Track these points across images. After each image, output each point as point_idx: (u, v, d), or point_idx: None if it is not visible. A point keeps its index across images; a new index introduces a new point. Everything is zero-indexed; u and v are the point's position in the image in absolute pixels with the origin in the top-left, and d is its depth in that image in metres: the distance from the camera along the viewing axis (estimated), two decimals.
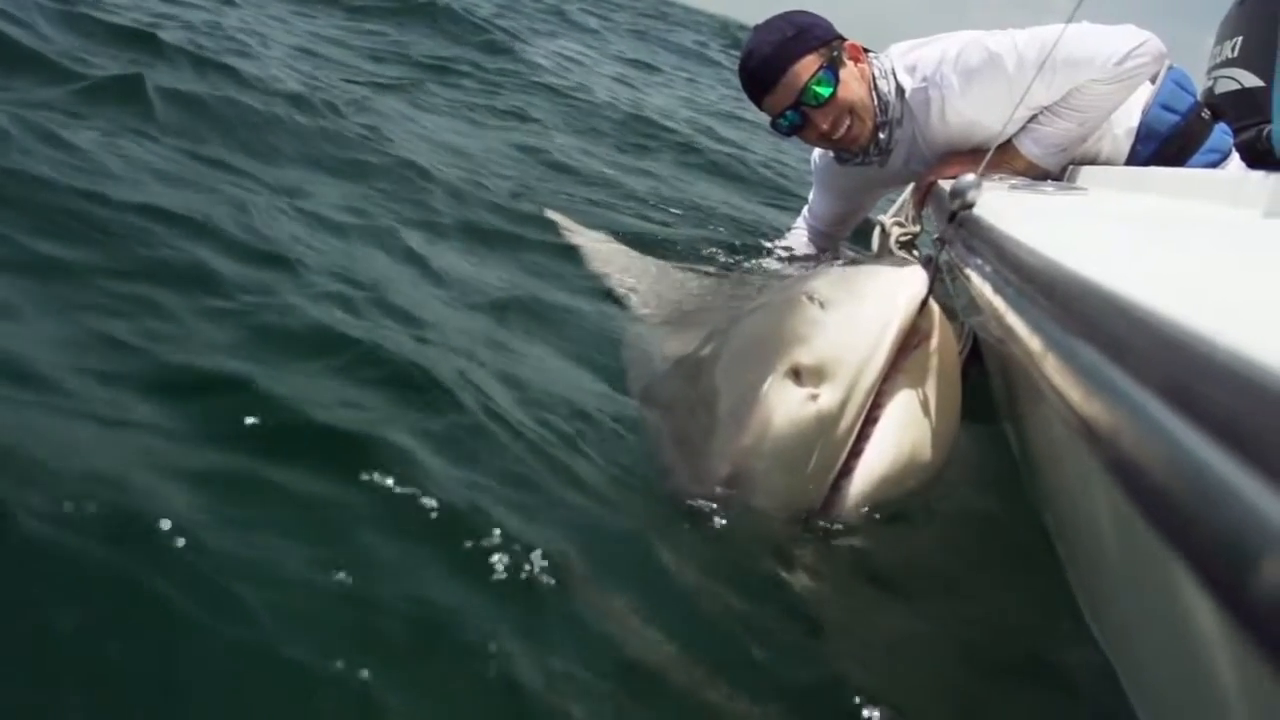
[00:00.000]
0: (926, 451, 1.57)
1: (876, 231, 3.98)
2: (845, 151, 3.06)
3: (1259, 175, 1.62)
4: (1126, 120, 2.90)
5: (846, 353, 1.52)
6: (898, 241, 3.87)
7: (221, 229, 2.25)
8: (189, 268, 1.99)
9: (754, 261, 3.31)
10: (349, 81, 4.80)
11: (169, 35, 4.24)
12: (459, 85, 5.85)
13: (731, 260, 3.27)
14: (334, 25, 6.65)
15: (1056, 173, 2.88)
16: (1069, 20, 2.25)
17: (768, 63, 2.84)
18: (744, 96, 3.02)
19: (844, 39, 2.91)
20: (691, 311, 2.40)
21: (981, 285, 1.26)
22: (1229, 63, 3.05)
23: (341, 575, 1.14)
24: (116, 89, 3.26)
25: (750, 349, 1.65)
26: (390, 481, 1.33)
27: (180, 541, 1.11)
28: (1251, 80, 2.96)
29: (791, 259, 3.40)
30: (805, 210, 3.61)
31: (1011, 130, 2.78)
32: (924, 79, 2.86)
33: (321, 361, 1.69)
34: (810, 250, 3.49)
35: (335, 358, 1.71)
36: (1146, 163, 2.87)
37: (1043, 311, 0.91)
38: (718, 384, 1.64)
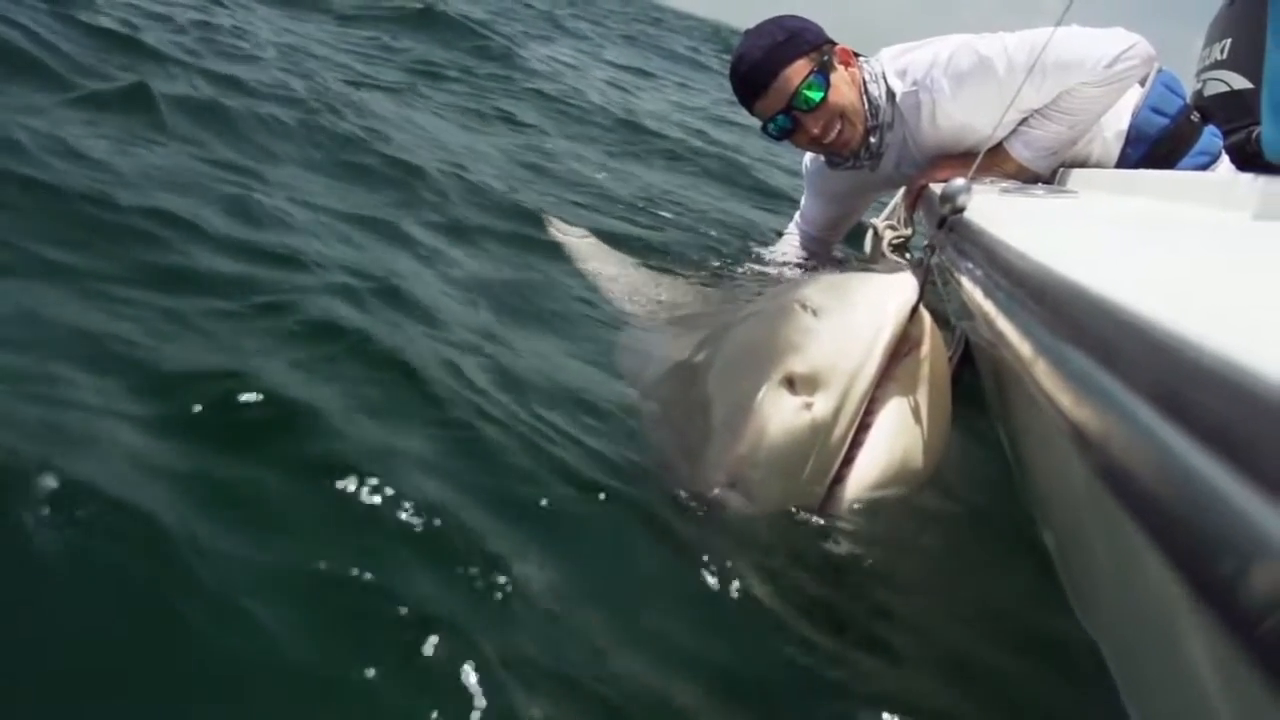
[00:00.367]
0: (918, 457, 1.58)
1: (869, 235, 3.99)
2: (836, 155, 3.07)
3: (1248, 178, 1.63)
4: (1116, 123, 2.91)
5: (840, 361, 1.52)
6: (890, 245, 3.88)
7: (222, 230, 2.27)
8: (191, 269, 2.00)
9: (747, 266, 3.31)
10: (346, 85, 4.81)
11: (164, 41, 4.26)
12: (453, 89, 5.86)
13: (724, 265, 3.27)
14: (328, 32, 6.65)
15: (1047, 175, 2.89)
16: (1058, 23, 2.25)
17: (759, 67, 2.84)
18: (736, 100, 3.03)
19: (834, 43, 2.91)
20: (685, 317, 2.40)
21: (972, 289, 1.26)
22: (1218, 65, 3.06)
23: (337, 577, 1.13)
24: (116, 95, 3.29)
25: (744, 357, 1.65)
26: (385, 482, 1.32)
27: (176, 540, 1.11)
28: (1240, 82, 2.97)
29: (784, 264, 3.40)
30: (797, 215, 3.62)
31: (1002, 133, 2.79)
32: (914, 83, 2.86)
33: (323, 361, 1.69)
34: (803, 255, 3.49)
35: (334, 357, 1.71)
36: (1136, 165, 2.88)
37: (1033, 316, 0.91)
38: (712, 392, 1.64)
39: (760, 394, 1.52)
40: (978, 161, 1.99)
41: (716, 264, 3.26)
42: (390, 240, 2.62)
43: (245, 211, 2.46)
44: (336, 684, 1.01)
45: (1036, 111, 2.76)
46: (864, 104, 2.90)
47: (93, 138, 2.75)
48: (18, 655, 0.98)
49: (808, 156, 3.44)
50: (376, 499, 1.30)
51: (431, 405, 1.62)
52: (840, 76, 2.87)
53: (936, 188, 2.26)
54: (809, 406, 1.51)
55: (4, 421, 1.25)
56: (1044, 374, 0.81)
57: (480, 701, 1.04)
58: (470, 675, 1.06)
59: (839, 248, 3.69)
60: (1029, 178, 2.83)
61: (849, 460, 1.55)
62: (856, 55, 2.96)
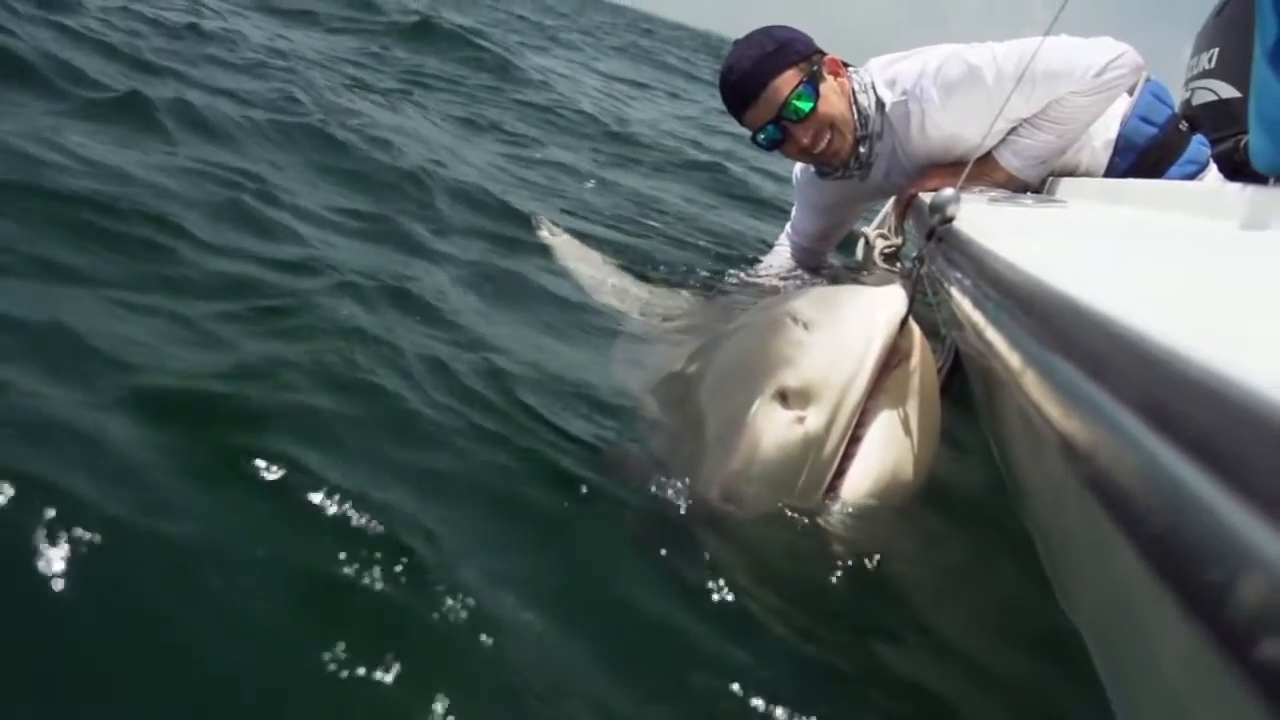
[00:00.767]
0: (909, 468, 1.58)
1: (861, 243, 4.00)
2: (826, 166, 3.07)
3: (1236, 187, 1.63)
4: (1105, 132, 2.92)
5: (832, 375, 1.53)
6: (881, 254, 3.89)
7: (220, 233, 2.31)
8: (191, 272, 2.04)
9: (737, 277, 3.31)
10: (342, 93, 4.85)
11: (156, 48, 4.27)
12: (447, 99, 5.88)
13: (715, 275, 3.27)
14: (325, 41, 6.65)
15: (1036, 184, 2.89)
16: (1047, 33, 2.26)
17: (748, 78, 2.85)
18: (726, 110, 3.03)
19: (824, 53, 2.92)
20: (676, 329, 2.40)
21: (961, 300, 1.26)
22: (1206, 74, 3.06)
23: (336, 580, 1.15)
24: (112, 103, 3.32)
25: (736, 371, 1.65)
26: (384, 490, 1.34)
27: (177, 542, 1.13)
28: (1228, 91, 2.97)
29: (775, 275, 3.40)
30: (788, 226, 3.61)
31: (991, 143, 2.80)
32: (904, 92, 2.87)
33: (319, 364, 1.70)
34: (793, 266, 3.49)
35: (328, 360, 1.73)
36: (1125, 174, 2.89)
37: (1021, 326, 0.91)
38: (705, 406, 1.64)
39: (754, 408, 1.53)
40: (966, 170, 1.99)
41: (707, 274, 3.26)
42: (387, 244, 2.65)
43: (243, 216, 2.49)
44: (329, 687, 1.01)
45: (1025, 121, 2.77)
46: (853, 114, 2.90)
47: (91, 145, 2.76)
48: (17, 655, 0.98)
49: (797, 167, 3.44)
50: (374, 505, 1.30)
51: (423, 413, 1.62)
52: (830, 87, 2.87)
53: (926, 197, 2.26)
54: (802, 420, 1.51)
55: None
56: (1032, 384, 0.81)
57: (474, 709, 1.04)
58: (467, 681, 1.07)
59: (831, 257, 3.70)
60: (1018, 187, 2.83)
61: (840, 472, 1.56)
62: (846, 65, 2.96)
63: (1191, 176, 2.87)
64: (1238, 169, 2.73)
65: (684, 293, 2.91)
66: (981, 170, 2.79)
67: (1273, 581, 0.44)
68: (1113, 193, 2.34)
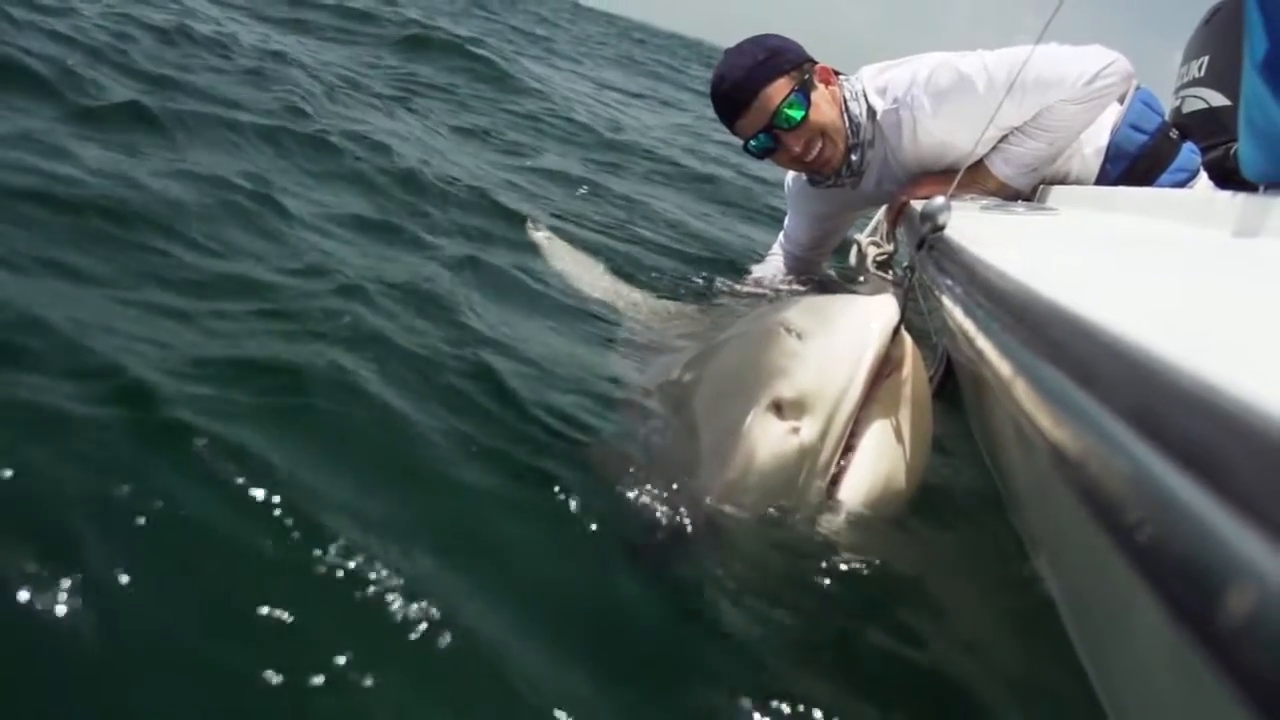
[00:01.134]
0: (901, 476, 1.58)
1: (854, 250, 4.00)
2: (818, 174, 3.08)
3: (1226, 195, 1.64)
4: (1096, 140, 2.92)
5: (826, 385, 1.53)
6: (874, 261, 3.90)
7: (222, 236, 2.34)
8: (196, 275, 2.06)
9: (731, 286, 3.31)
10: (340, 100, 4.86)
11: (151, 54, 4.28)
12: (445, 106, 5.88)
13: (708, 283, 3.27)
14: (322, 49, 6.66)
15: (1027, 192, 2.90)
16: (1037, 41, 2.27)
17: (739, 86, 2.85)
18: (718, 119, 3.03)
19: (815, 62, 2.92)
20: (670, 337, 2.40)
21: (952, 308, 1.26)
22: (1196, 82, 3.08)
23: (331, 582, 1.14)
24: (110, 109, 3.33)
25: (730, 382, 1.65)
26: (385, 495, 1.36)
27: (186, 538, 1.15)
28: (1218, 99, 2.98)
29: (768, 284, 3.40)
30: (781, 236, 3.62)
31: (982, 150, 2.81)
32: (895, 100, 2.87)
33: (316, 360, 1.71)
34: (787, 275, 3.49)
35: (325, 356, 1.73)
36: (1116, 182, 2.90)
37: (1012, 335, 0.91)
38: (699, 417, 1.64)
39: (749, 419, 1.53)
40: (958, 178, 2.00)
41: (700, 282, 3.26)
42: (386, 247, 2.66)
43: (241, 218, 2.51)
44: (312, 692, 1.01)
45: (1016, 129, 2.77)
46: (845, 122, 2.91)
47: (91, 151, 2.77)
48: (20, 655, 0.99)
49: (790, 176, 3.45)
50: (365, 507, 1.31)
51: (420, 421, 1.62)
52: (821, 95, 2.88)
53: (918, 205, 2.27)
54: (797, 431, 1.51)
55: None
56: (1022, 392, 0.81)
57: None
58: (460, 689, 1.07)
59: (824, 264, 3.70)
60: (1009, 194, 2.84)
61: (835, 481, 1.55)
62: (837, 74, 2.97)
63: (1182, 184, 2.88)
64: (1228, 177, 2.74)
65: (677, 301, 2.91)
66: (973, 178, 2.80)
67: (1260, 589, 0.44)
68: (1104, 200, 2.34)
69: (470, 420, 1.67)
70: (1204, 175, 2.91)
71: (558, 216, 3.71)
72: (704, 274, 3.35)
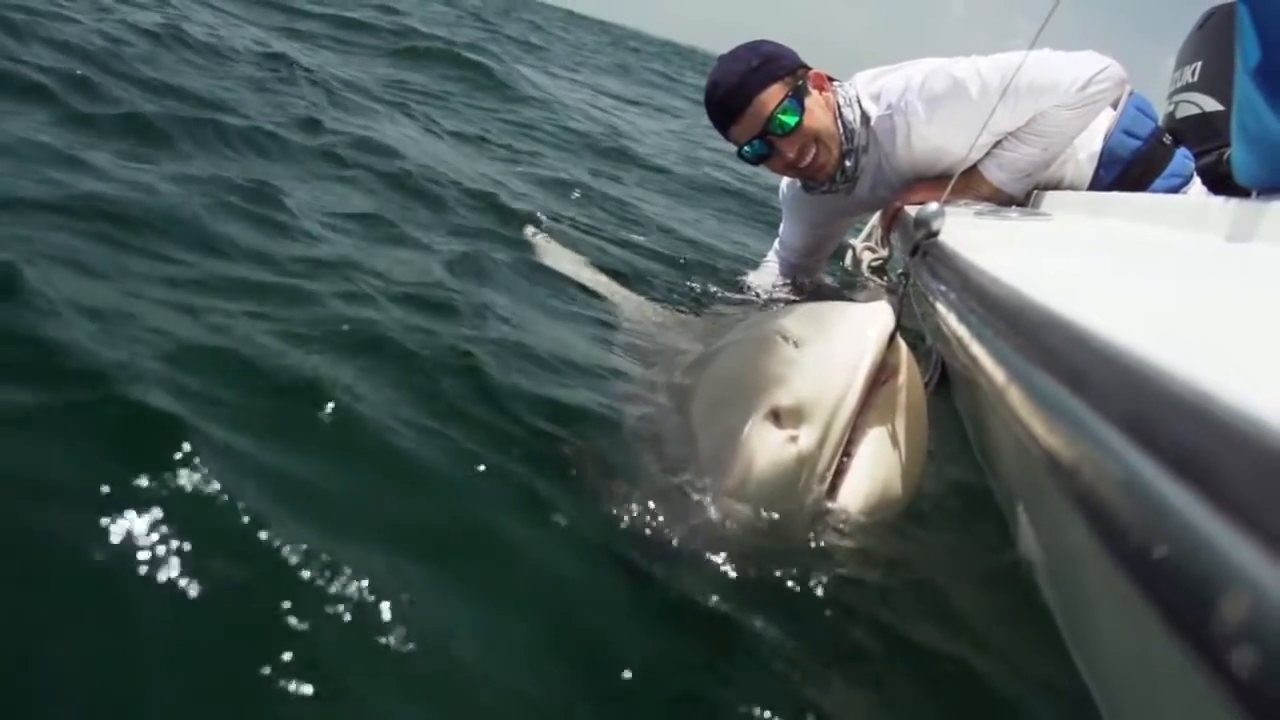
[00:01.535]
0: (898, 483, 1.59)
1: (849, 255, 4.01)
2: (812, 180, 3.08)
3: (1219, 201, 1.64)
4: (1089, 145, 2.93)
5: (824, 393, 1.53)
6: (869, 267, 3.91)
7: (225, 238, 2.36)
8: (205, 278, 2.07)
9: (727, 294, 3.31)
10: (340, 104, 4.89)
11: (146, 56, 4.29)
12: (443, 113, 5.89)
13: (704, 289, 3.27)
14: (321, 56, 6.67)
15: (1021, 198, 2.90)
16: (1031, 46, 2.27)
17: (733, 92, 2.85)
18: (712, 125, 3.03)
19: (808, 68, 2.92)
20: (666, 344, 2.39)
21: (946, 314, 1.26)
22: (1189, 87, 3.09)
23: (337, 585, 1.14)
24: (109, 115, 3.34)
25: (727, 390, 1.65)
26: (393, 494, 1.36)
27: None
28: (1211, 105, 2.99)
29: (764, 292, 3.39)
30: (776, 243, 3.62)
31: (976, 156, 2.81)
32: (889, 106, 2.88)
33: (311, 360, 1.73)
34: (783, 282, 3.49)
35: (321, 355, 1.76)
36: (1109, 187, 2.90)
37: (1005, 341, 0.91)
38: (697, 426, 1.64)
39: (747, 428, 1.53)
40: (952, 184, 2.00)
41: (696, 288, 3.26)
42: (388, 250, 2.67)
43: (244, 219, 2.54)
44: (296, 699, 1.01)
45: (1010, 134, 2.78)
46: (838, 128, 2.91)
47: (92, 155, 2.78)
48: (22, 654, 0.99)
49: (784, 182, 3.45)
50: (356, 510, 1.32)
51: (416, 427, 1.62)
52: (815, 101, 2.88)
53: (912, 210, 2.27)
54: (795, 439, 1.51)
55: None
56: (1016, 399, 0.81)
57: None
58: (462, 694, 1.07)
59: (821, 270, 3.70)
60: (1003, 200, 2.84)
61: (832, 489, 1.56)
62: (831, 80, 2.97)
63: (1176, 189, 2.89)
64: (1221, 182, 2.75)
65: (673, 307, 2.90)
66: (966, 183, 2.80)
67: (1251, 595, 0.44)
68: (1097, 206, 2.35)
69: (465, 424, 1.67)
70: (1198, 180, 2.92)
71: (555, 221, 3.70)
72: (700, 281, 3.35)
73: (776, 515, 1.51)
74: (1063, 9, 1.74)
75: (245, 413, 1.50)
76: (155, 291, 1.90)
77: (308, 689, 1.01)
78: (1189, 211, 1.77)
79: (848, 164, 2.96)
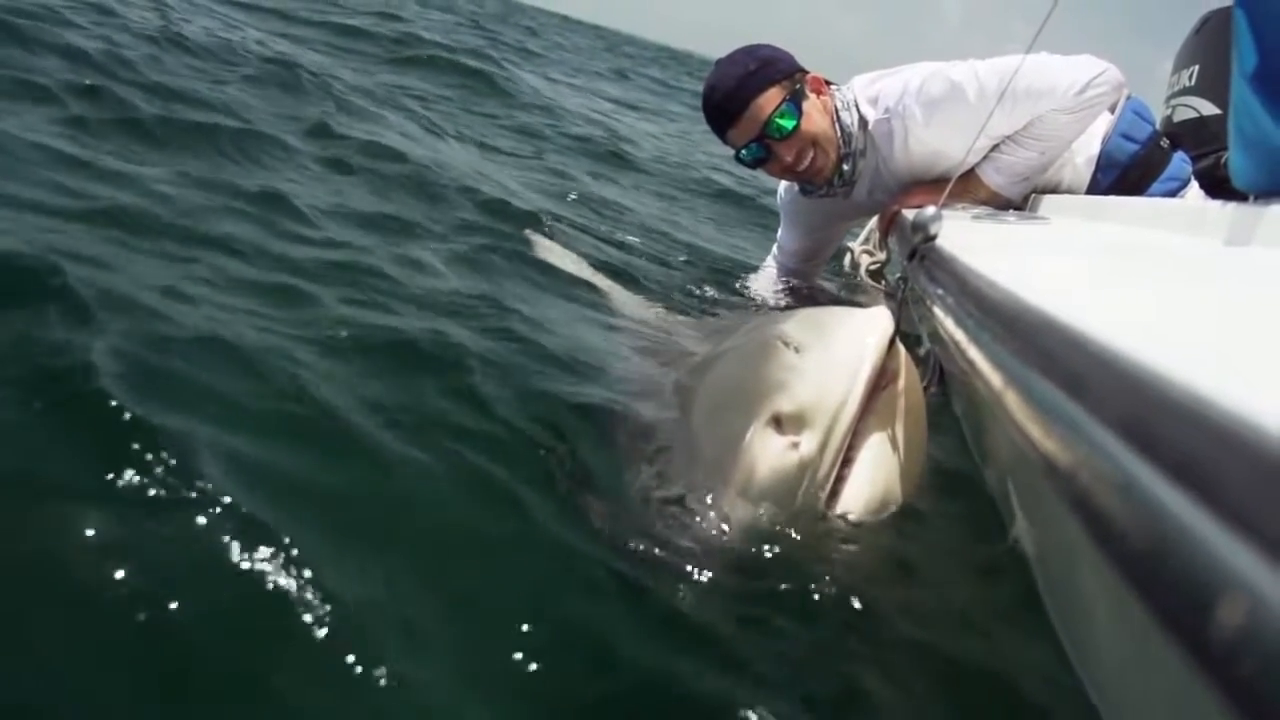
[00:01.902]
0: (898, 487, 1.59)
1: (847, 259, 4.01)
2: (809, 184, 3.08)
3: (1216, 205, 1.64)
4: (1087, 149, 2.93)
5: (825, 399, 1.53)
6: (867, 270, 3.91)
7: (228, 241, 2.36)
8: (213, 279, 2.09)
9: (726, 298, 3.30)
10: (343, 108, 4.91)
11: (144, 59, 4.31)
12: (442, 118, 5.88)
13: (704, 294, 3.26)
14: (323, 61, 6.69)
15: (1018, 202, 2.90)
16: (1028, 50, 2.27)
17: (731, 96, 2.85)
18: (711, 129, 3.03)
19: (806, 72, 2.93)
20: (667, 349, 2.39)
21: (944, 317, 1.26)
22: (1186, 91, 3.08)
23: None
24: (109, 119, 3.36)
25: (729, 396, 1.65)
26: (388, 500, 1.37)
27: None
28: (1209, 108, 2.99)
29: (763, 297, 3.39)
30: (775, 248, 3.62)
31: (974, 160, 2.81)
32: (886, 110, 2.88)
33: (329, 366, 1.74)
34: (781, 287, 3.48)
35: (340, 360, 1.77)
36: (1107, 191, 2.90)
37: (1003, 345, 0.91)
38: (698, 432, 1.63)
39: (749, 435, 1.53)
40: (949, 188, 2.00)
41: (696, 293, 3.25)
42: (391, 251, 2.67)
43: (250, 221, 2.56)
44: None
45: (1008, 138, 2.78)
46: (836, 131, 2.91)
47: (94, 158, 2.80)
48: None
49: (781, 187, 3.45)
50: (351, 511, 1.32)
51: (418, 431, 1.61)
52: (812, 104, 2.88)
53: (909, 214, 2.27)
54: (796, 445, 1.52)
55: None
56: (1013, 403, 0.81)
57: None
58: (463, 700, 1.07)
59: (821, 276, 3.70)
60: (1001, 204, 2.84)
61: (834, 494, 1.56)
62: (828, 83, 2.98)
63: (1173, 193, 2.89)
64: (1218, 185, 2.75)
65: (673, 312, 2.90)
66: (964, 187, 2.80)
67: (1250, 600, 0.44)
68: (1095, 210, 2.35)
69: (465, 426, 1.67)
70: (1195, 184, 2.92)
71: (556, 224, 3.70)
72: (699, 285, 3.35)
73: (778, 521, 1.51)
74: (1060, 12, 1.74)
75: (247, 412, 1.50)
76: (159, 290, 1.90)
77: (302, 690, 1.02)
78: (1186, 215, 1.77)
79: (845, 168, 2.96)
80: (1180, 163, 2.92)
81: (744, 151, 2.92)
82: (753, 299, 3.34)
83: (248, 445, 1.40)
